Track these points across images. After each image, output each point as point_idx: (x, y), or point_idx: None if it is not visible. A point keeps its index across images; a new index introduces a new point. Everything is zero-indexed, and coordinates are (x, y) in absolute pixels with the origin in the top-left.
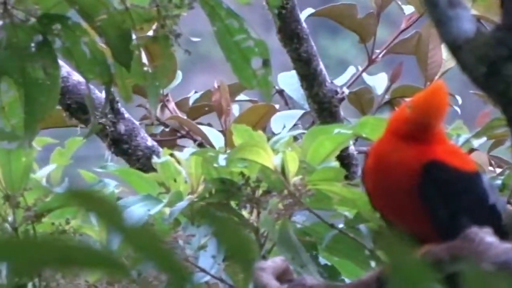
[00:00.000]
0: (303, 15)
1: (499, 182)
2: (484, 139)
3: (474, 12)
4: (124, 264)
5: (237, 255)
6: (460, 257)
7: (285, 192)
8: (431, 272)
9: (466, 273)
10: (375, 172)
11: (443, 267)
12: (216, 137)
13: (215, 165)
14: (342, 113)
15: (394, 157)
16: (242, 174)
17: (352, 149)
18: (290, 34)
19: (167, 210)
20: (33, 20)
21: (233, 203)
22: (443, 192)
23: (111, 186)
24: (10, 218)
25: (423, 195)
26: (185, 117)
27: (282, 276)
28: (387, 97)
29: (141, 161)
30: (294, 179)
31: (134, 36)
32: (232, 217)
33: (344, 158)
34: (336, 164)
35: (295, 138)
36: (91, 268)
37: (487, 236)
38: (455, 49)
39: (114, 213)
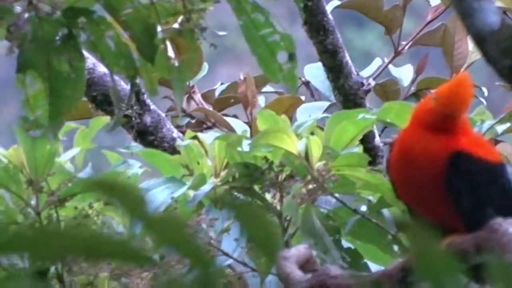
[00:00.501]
0: (329, 7)
1: None
2: (507, 124)
3: (499, 4)
4: (146, 252)
5: (260, 241)
6: (484, 248)
7: (309, 177)
8: (456, 263)
9: (490, 264)
10: (401, 162)
11: (468, 258)
12: (241, 128)
13: (238, 149)
14: (367, 104)
15: (420, 147)
16: (265, 158)
17: (377, 140)
18: (316, 26)
19: (191, 193)
20: (58, 13)
21: (256, 188)
22: (468, 183)
23: (135, 167)
24: (33, 202)
25: (448, 185)
26: (211, 109)
27: (305, 265)
28: (413, 88)
29: (167, 152)
30: (318, 164)
31: (159, 30)
32: (255, 201)
33: (370, 150)
34: (359, 149)
35: (320, 127)
36: (114, 257)
37: (511, 227)
38: (480, 41)
39: (136, 201)
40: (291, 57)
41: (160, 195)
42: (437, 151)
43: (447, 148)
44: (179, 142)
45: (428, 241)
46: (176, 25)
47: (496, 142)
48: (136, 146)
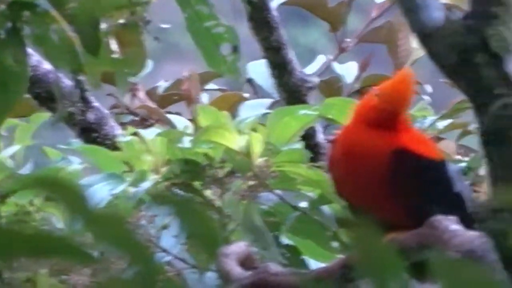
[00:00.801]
0: (274, 3)
1: (463, 165)
2: (449, 121)
3: (443, 0)
4: (86, 249)
5: (200, 237)
6: (426, 245)
7: (250, 173)
8: (398, 259)
9: (433, 261)
10: (343, 160)
11: (410, 255)
12: (185, 126)
13: (180, 145)
14: (311, 102)
15: (362, 145)
16: (206, 155)
17: (320, 137)
18: (261, 23)
19: (131, 189)
20: (2, 7)
21: (197, 184)
22: (410, 180)
23: (75, 163)
24: None
25: (391, 182)
26: (155, 106)
27: (245, 262)
28: (356, 85)
29: (110, 149)
30: (259, 161)
31: (104, 24)
32: (196, 198)
33: (312, 146)
34: (300, 145)
35: (261, 124)
36: (54, 254)
37: (451, 224)
38: (425, 37)
39: (76, 198)
40: (235, 49)
41: (100, 191)
42: (379, 148)
43: (389, 146)
44: (120, 139)
45: (370, 237)
46: (120, 20)
47: (439, 139)
48: (77, 143)
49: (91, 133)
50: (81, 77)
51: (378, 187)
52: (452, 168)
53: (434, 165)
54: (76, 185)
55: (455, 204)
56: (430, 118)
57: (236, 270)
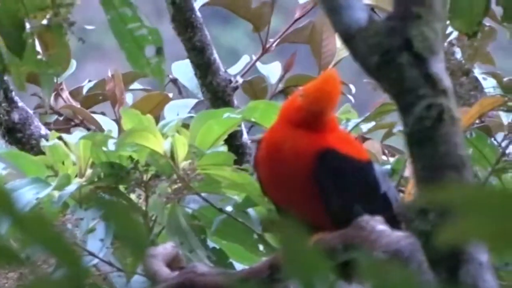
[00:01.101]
0: (197, 4)
1: (388, 167)
2: (373, 123)
3: (366, 1)
4: (14, 250)
5: (127, 239)
6: (352, 246)
7: (174, 176)
8: (324, 260)
9: (360, 262)
10: (269, 161)
11: (336, 255)
12: (109, 125)
13: (104, 149)
14: (236, 102)
15: (288, 145)
16: (131, 158)
17: (245, 138)
18: (184, 23)
19: (56, 194)
20: None
21: (122, 187)
22: (336, 180)
23: None
24: None
25: (316, 183)
26: (79, 106)
27: (172, 263)
28: (280, 86)
29: (35, 149)
30: (183, 164)
31: (28, 25)
32: (121, 201)
33: (237, 148)
34: (225, 148)
35: (186, 126)
36: None
37: (378, 224)
38: (348, 38)
39: (4, 200)
40: (159, 51)
41: (25, 196)
42: (305, 148)
43: (314, 146)
44: (43, 143)
45: (296, 238)
46: (44, 21)
47: (364, 139)
48: (0, 148)
49: (16, 133)
50: (6, 77)
51: (302, 188)
52: (378, 169)
53: (359, 165)
54: (2, 187)
55: (381, 205)
56: (354, 121)
57: (164, 270)
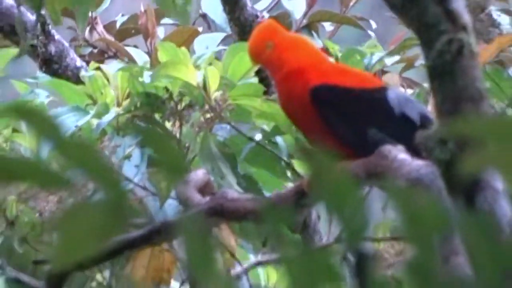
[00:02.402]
0: None
1: None
2: (397, 57)
3: None
4: (55, 173)
5: (164, 164)
6: (375, 174)
7: (206, 106)
8: (352, 184)
9: (388, 189)
10: (281, 101)
11: (360, 183)
12: (142, 58)
13: (140, 79)
14: None
15: (285, 93)
16: (166, 89)
17: None
18: None
19: (95, 121)
20: None
21: (157, 116)
22: (336, 112)
23: (42, 96)
24: None
25: (320, 118)
26: (113, 39)
27: (204, 188)
28: (305, 21)
29: (70, 80)
30: (215, 95)
31: None
32: (156, 129)
33: (267, 79)
34: (255, 80)
35: (217, 59)
36: (24, 178)
37: (400, 153)
38: None
39: (48, 125)
40: None
41: (66, 122)
42: (299, 91)
43: (305, 86)
44: (83, 73)
45: (324, 164)
46: None
47: (383, 72)
48: (44, 77)
49: (53, 64)
50: (43, 12)
51: (318, 127)
52: (394, 94)
53: (355, 92)
54: (47, 114)
55: (400, 126)
56: (378, 54)
57: (195, 196)
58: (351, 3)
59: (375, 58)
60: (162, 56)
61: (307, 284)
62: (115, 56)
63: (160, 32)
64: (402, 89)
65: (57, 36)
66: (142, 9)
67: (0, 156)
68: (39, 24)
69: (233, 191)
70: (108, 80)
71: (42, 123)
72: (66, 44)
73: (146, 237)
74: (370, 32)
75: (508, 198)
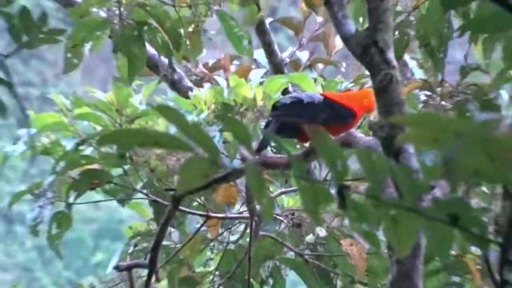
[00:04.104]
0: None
1: None
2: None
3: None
4: (181, 141)
5: (238, 136)
6: (346, 144)
7: (255, 109)
8: (337, 148)
9: (355, 151)
10: None
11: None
12: (222, 83)
13: (221, 95)
14: (286, 71)
15: None
16: (234, 100)
17: (290, 89)
18: (260, 32)
19: (196, 118)
20: (132, 23)
21: (229, 115)
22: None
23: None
24: (118, 121)
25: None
26: (207, 72)
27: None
28: (308, 63)
29: (184, 96)
30: (260, 103)
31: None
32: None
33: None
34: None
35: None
36: (163, 145)
37: (358, 133)
38: (345, 39)
39: (176, 114)
40: (249, 43)
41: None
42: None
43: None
44: (190, 93)
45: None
46: (190, 29)
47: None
48: (171, 94)
49: (176, 85)
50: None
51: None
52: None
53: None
54: (177, 110)
55: (317, 108)
56: (344, 84)
57: (249, 156)
58: (333, 53)
59: (343, 85)
60: (232, 82)
61: (313, 202)
62: (208, 81)
63: (233, 68)
64: None
65: (178, 70)
66: (223, 56)
67: (150, 131)
68: (169, 64)
69: (271, 153)
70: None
71: (174, 115)
72: (183, 74)
73: (224, 177)
74: (342, 69)
75: (416, 157)
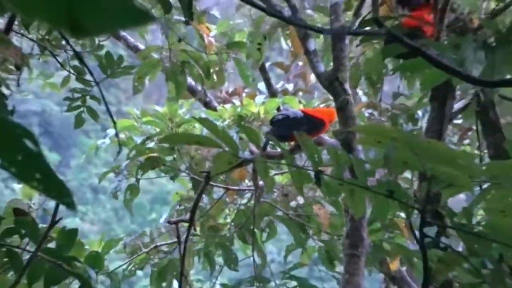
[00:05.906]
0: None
1: None
2: (322, 105)
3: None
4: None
5: (248, 136)
6: (319, 143)
7: (259, 119)
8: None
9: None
10: None
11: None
12: (237, 103)
13: (237, 110)
14: (279, 96)
15: None
16: (245, 113)
17: (282, 108)
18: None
19: (222, 124)
20: (178, 61)
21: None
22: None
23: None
24: (170, 125)
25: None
26: (227, 96)
27: (257, 149)
28: (292, 91)
29: (214, 110)
30: (262, 115)
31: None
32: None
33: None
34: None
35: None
36: (204, 143)
37: (326, 137)
38: (318, 75)
39: (208, 123)
40: (254, 80)
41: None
42: None
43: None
44: (217, 109)
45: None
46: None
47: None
48: (205, 110)
49: (207, 105)
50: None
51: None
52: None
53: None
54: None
55: (300, 122)
56: (315, 104)
57: (256, 150)
58: (309, 85)
59: (315, 104)
60: (244, 102)
61: (298, 181)
62: (228, 102)
63: (243, 94)
64: None
65: (208, 95)
66: (237, 86)
67: (193, 134)
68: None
69: (270, 149)
70: (225, 110)
71: (208, 123)
72: (212, 97)
73: (239, 164)
74: (315, 95)
75: (363, 153)
